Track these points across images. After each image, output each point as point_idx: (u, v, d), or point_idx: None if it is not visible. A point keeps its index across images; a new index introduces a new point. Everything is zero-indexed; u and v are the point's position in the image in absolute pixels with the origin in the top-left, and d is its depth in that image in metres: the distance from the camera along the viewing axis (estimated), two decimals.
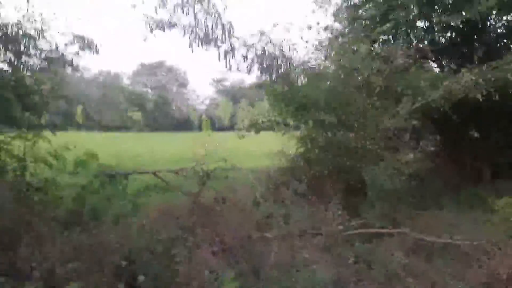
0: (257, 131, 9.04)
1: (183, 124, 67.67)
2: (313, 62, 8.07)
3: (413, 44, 9.07)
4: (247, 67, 7.03)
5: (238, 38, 6.65)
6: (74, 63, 7.61)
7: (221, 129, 47.57)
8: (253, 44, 6.71)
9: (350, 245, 5.38)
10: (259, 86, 7.77)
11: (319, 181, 7.36)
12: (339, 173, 7.08)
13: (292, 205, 7.19)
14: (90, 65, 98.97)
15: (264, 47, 6.89)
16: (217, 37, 6.54)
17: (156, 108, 70.41)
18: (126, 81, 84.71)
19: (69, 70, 7.60)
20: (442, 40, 9.77)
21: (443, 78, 6.92)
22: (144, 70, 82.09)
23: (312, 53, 7.95)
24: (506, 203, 5.22)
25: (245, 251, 5.01)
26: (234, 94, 72.54)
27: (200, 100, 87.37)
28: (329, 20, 9.85)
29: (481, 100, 6.27)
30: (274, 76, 7.30)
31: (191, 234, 4.39)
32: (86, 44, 7.41)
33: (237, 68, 6.92)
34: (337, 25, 9.90)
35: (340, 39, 9.01)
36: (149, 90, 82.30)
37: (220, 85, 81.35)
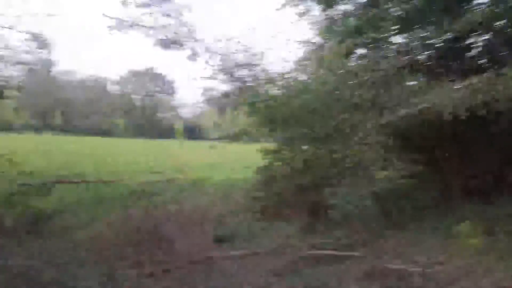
0: (230, 141, 8.72)
1: (168, 132, 67.00)
2: (286, 75, 7.74)
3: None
4: (212, 74, 6.68)
5: (198, 41, 6.29)
6: (29, 62, 7.19)
7: (206, 138, 47.02)
8: (217, 50, 6.35)
9: (301, 270, 5.00)
10: (225, 95, 7.41)
11: (282, 198, 7.00)
12: (302, 191, 6.72)
13: (251, 224, 6.84)
14: (76, 68, 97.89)
15: (229, 54, 6.56)
16: (179, 40, 6.20)
17: (142, 114, 69.63)
18: (113, 87, 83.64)
19: (19, 68, 7.14)
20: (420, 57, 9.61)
21: (415, 93, 6.67)
22: (132, 76, 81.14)
23: (283, 64, 7.62)
24: (465, 230, 4.91)
25: (182, 276, 4.57)
26: (222, 103, 72.14)
27: (187, 108, 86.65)
28: (307, 34, 9.56)
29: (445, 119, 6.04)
30: (241, 85, 6.96)
31: (119, 256, 3.93)
32: (42, 43, 7.02)
33: (201, 75, 6.57)
34: (316, 39, 9.65)
35: (315, 53, 8.78)
36: (136, 97, 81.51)
37: (207, 93, 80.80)
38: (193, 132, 55.05)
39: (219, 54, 6.44)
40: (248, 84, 6.95)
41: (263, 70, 7.11)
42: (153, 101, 77.22)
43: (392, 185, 8.57)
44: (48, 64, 77.29)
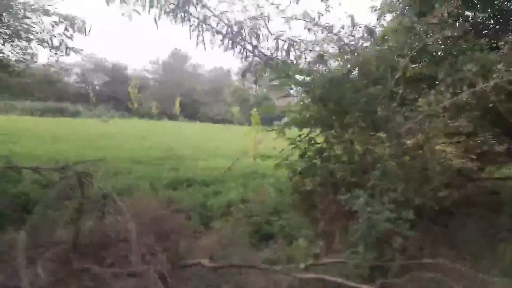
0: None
1: (279, 118, 67.82)
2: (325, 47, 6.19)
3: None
4: (225, 45, 5.65)
5: (210, 9, 5.28)
6: (65, 45, 7.24)
7: None
8: (223, 13, 5.23)
9: None
10: (245, 73, 6.27)
11: (309, 196, 5.62)
12: (333, 190, 5.24)
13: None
14: (203, 61, 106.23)
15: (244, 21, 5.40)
16: (187, 8, 5.30)
17: (257, 103, 71.66)
18: (234, 77, 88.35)
19: (59, 53, 7.21)
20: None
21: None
22: (250, 66, 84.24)
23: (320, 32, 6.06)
24: None
25: None
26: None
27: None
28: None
29: None
30: (260, 60, 5.78)
31: None
32: (75, 26, 6.97)
33: (211, 46, 5.60)
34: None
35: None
36: (254, 86, 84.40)
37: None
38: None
39: (231, 22, 5.31)
40: (269, 58, 5.67)
41: (289, 41, 5.71)
42: (268, 90, 78.88)
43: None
44: (183, 59, 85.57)
